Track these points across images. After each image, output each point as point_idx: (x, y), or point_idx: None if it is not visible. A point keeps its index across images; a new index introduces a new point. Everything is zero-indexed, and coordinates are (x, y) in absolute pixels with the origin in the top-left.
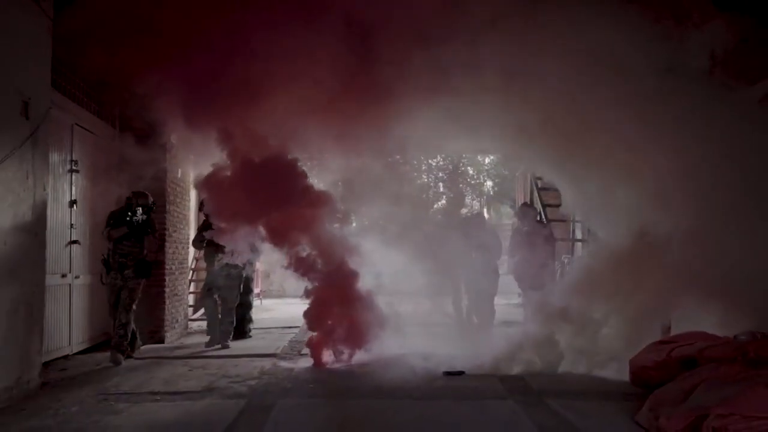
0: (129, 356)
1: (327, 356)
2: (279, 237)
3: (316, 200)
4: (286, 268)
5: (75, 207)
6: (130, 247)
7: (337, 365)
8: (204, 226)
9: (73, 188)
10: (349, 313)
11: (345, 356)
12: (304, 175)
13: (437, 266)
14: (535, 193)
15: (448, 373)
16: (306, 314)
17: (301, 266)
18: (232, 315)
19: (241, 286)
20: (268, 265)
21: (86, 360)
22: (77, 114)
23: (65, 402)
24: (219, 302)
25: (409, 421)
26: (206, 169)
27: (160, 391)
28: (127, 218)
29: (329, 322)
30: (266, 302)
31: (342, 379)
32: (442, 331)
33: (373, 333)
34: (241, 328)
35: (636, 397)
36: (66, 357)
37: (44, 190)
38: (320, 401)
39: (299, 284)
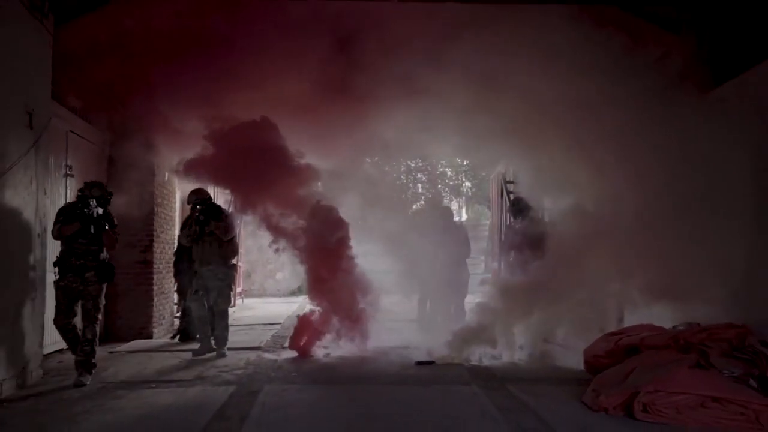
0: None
1: (310, 348)
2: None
3: (298, 169)
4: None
5: None
6: (87, 245)
7: (318, 357)
8: (187, 221)
9: (68, 191)
10: (343, 284)
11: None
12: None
13: (404, 265)
14: (505, 195)
15: (420, 363)
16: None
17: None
18: (226, 318)
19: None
20: (249, 264)
21: None
22: (71, 122)
23: (67, 389)
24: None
25: (382, 402)
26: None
27: (155, 380)
28: (80, 212)
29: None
30: (248, 301)
31: (323, 368)
32: (414, 325)
33: (366, 311)
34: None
35: (588, 383)
36: (61, 351)
37: (45, 194)
38: (303, 387)
39: (279, 283)
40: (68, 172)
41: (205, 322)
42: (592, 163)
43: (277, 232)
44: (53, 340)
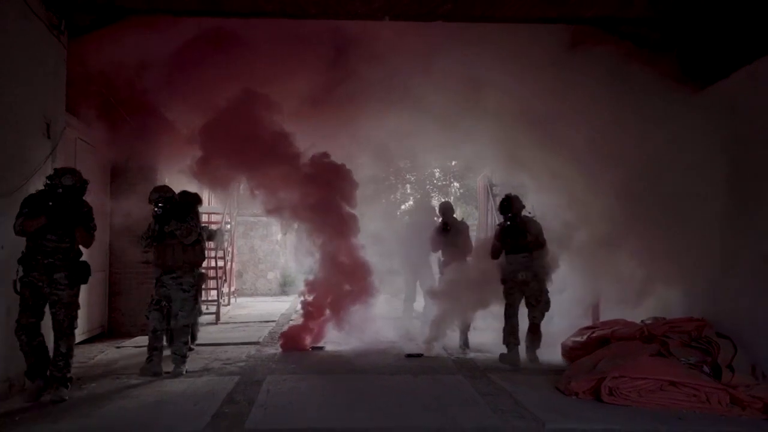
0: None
1: (306, 342)
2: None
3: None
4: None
5: None
6: (57, 243)
7: (314, 350)
8: (153, 221)
9: None
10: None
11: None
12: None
13: (393, 265)
14: (491, 199)
15: (410, 356)
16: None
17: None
18: (187, 334)
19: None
20: (241, 264)
21: (90, 349)
22: (80, 129)
23: (84, 380)
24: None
25: (375, 389)
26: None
27: (165, 371)
28: (49, 204)
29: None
30: (240, 300)
31: (320, 361)
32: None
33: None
34: None
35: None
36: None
37: None
38: (303, 377)
39: (270, 283)
40: None
41: (159, 338)
42: (574, 164)
43: (289, 211)
44: None
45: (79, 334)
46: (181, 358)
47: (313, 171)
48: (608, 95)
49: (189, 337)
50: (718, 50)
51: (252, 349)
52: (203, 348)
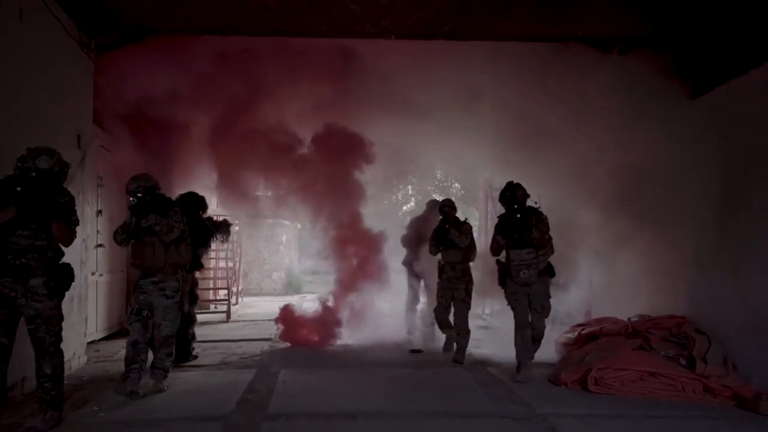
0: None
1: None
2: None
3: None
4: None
5: (101, 215)
6: (30, 239)
7: (324, 346)
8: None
9: (99, 200)
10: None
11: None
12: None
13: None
14: (490, 202)
15: (413, 351)
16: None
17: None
18: (171, 345)
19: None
20: (247, 265)
21: (112, 345)
22: (102, 137)
23: (112, 372)
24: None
25: (381, 380)
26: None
27: (185, 365)
28: (17, 192)
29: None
30: (246, 299)
31: (330, 356)
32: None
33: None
34: (182, 348)
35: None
36: (93, 342)
37: (88, 204)
38: (315, 369)
39: (275, 283)
40: (99, 183)
41: (140, 351)
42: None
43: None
44: (88, 331)
45: (100, 331)
46: (162, 373)
47: (324, 142)
48: (605, 101)
49: (173, 348)
50: (705, 65)
51: (265, 345)
52: (219, 344)
